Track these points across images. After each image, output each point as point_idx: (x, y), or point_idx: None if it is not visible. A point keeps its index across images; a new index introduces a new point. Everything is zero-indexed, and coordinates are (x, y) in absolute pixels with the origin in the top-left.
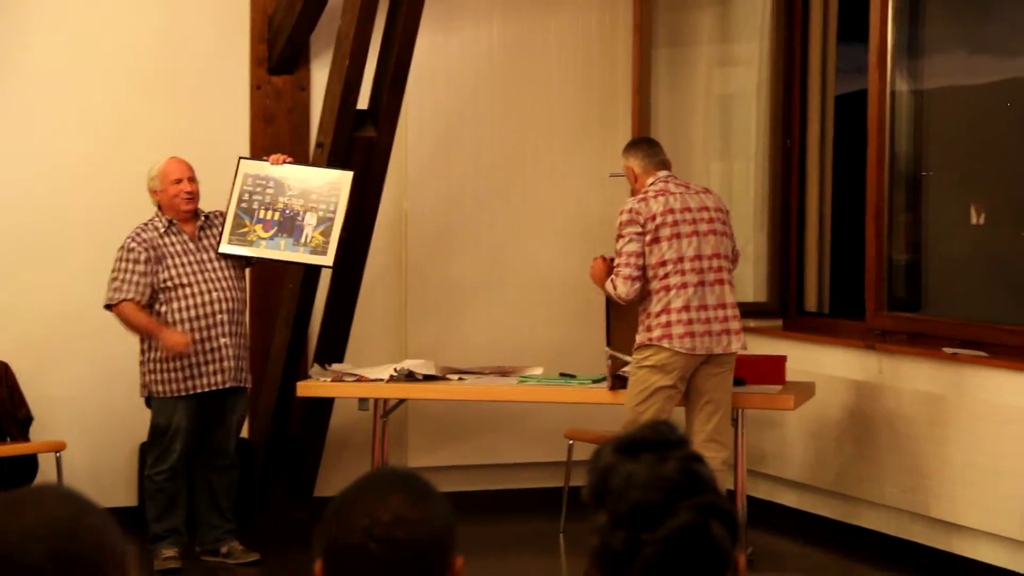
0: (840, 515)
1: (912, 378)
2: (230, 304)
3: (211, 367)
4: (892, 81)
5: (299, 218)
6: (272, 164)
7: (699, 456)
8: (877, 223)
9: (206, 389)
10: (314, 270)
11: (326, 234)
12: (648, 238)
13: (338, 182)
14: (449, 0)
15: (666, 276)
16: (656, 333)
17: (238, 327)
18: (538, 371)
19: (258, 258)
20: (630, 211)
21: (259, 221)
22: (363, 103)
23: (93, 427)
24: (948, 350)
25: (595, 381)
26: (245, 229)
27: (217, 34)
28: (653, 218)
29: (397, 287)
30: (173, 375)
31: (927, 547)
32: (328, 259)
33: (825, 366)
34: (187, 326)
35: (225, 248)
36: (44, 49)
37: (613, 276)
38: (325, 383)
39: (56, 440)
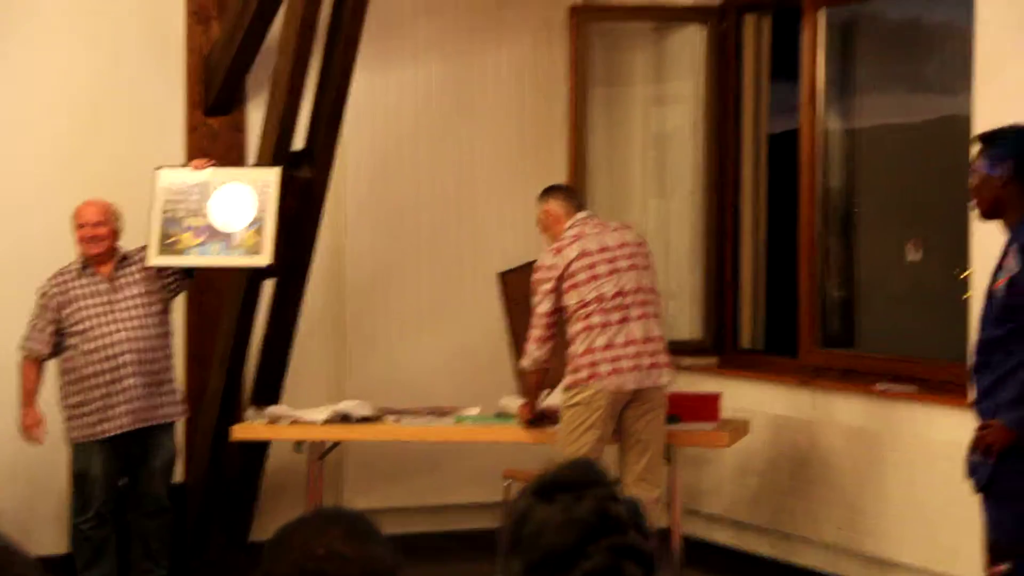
0: (776, 553)
1: (845, 414)
2: (139, 343)
3: (118, 409)
4: (824, 119)
5: (230, 224)
6: (194, 169)
7: (617, 495)
8: (810, 260)
9: (116, 432)
10: (253, 291)
11: (259, 232)
12: (566, 284)
13: (266, 179)
14: (386, 39)
15: (588, 316)
16: (583, 374)
17: (150, 366)
18: (475, 411)
19: (191, 267)
20: (547, 267)
21: (187, 229)
22: (299, 143)
23: (20, 473)
24: (880, 386)
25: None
26: (172, 239)
27: (153, 75)
28: (568, 265)
29: (335, 327)
30: (84, 420)
31: None
32: (264, 258)
33: (759, 403)
34: (91, 369)
35: (155, 261)
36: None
37: (526, 342)
38: (260, 426)
39: None
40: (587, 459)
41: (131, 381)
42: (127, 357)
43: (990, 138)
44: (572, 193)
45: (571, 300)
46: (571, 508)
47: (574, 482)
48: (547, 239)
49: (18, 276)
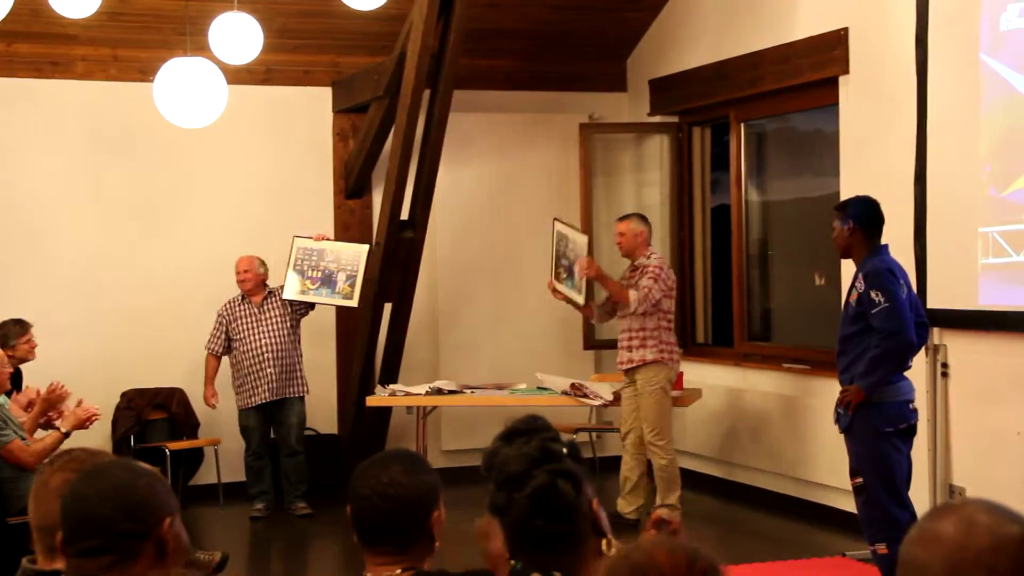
0: (722, 474)
1: (764, 384)
2: (275, 346)
3: (259, 388)
4: (746, 196)
5: (334, 276)
6: (316, 240)
7: (557, 436)
8: (740, 285)
9: (259, 402)
10: (377, 319)
11: (352, 285)
12: (667, 289)
13: (359, 251)
14: (460, 147)
15: (670, 321)
16: (669, 357)
17: (284, 359)
18: (523, 386)
19: (307, 302)
20: (669, 277)
21: (308, 278)
22: (405, 215)
23: (232, 429)
24: (786, 365)
25: (563, 392)
26: (303, 284)
27: (313, 174)
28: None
29: (430, 333)
30: (241, 394)
31: (784, 495)
32: (354, 302)
33: (709, 378)
34: (245, 360)
35: (287, 296)
36: (207, 182)
37: (638, 294)
38: (385, 397)
39: (214, 438)
40: (536, 414)
41: (269, 370)
42: (268, 355)
43: (842, 205)
44: None
45: (666, 305)
46: (523, 447)
47: (526, 430)
48: (627, 251)
49: (213, 303)
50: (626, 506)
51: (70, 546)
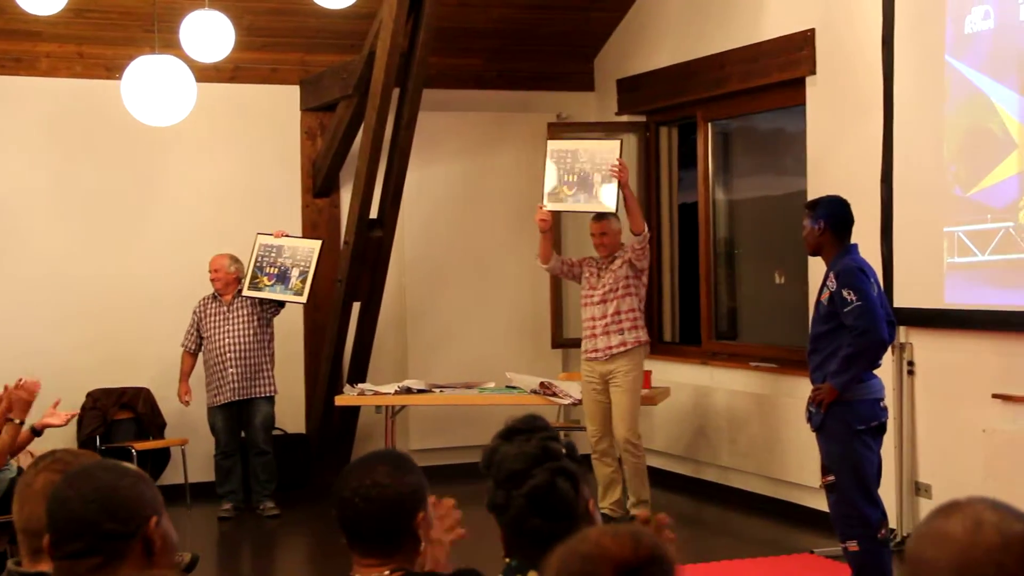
0: (690, 472)
1: (731, 382)
2: (238, 346)
3: (223, 387)
4: (713, 194)
5: (288, 272)
6: (275, 237)
7: (556, 436)
8: (707, 284)
9: (223, 401)
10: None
11: (303, 281)
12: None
13: (313, 247)
14: (428, 147)
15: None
16: (645, 336)
17: (248, 358)
18: (492, 384)
19: (267, 299)
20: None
21: (266, 275)
22: (374, 214)
23: (201, 429)
24: (753, 364)
25: (532, 391)
26: (257, 280)
27: (280, 172)
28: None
29: (399, 332)
30: (209, 392)
31: (753, 493)
32: (303, 298)
33: (677, 376)
34: (210, 358)
35: (245, 293)
36: (174, 181)
37: (644, 237)
38: (353, 396)
39: (182, 438)
40: (536, 414)
41: (232, 370)
42: (230, 355)
43: (812, 205)
44: None
45: (642, 292)
46: (522, 445)
47: (525, 429)
48: (611, 250)
49: (192, 300)
50: (604, 503)
51: (56, 549)
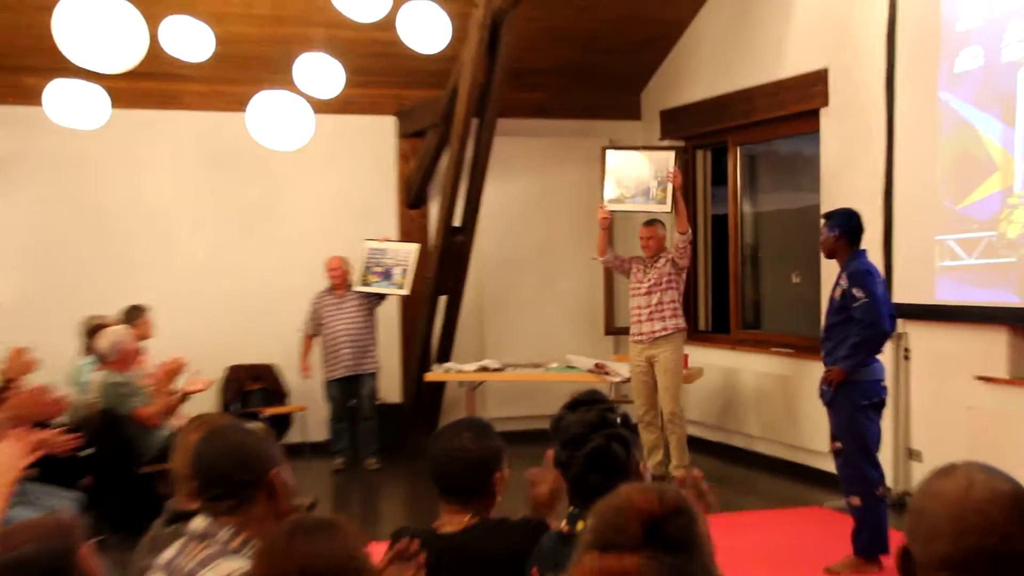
0: (720, 439)
1: (755, 365)
2: (351, 330)
3: (338, 364)
4: (740, 207)
5: (391, 270)
6: (380, 242)
7: (613, 408)
8: (735, 282)
9: (338, 376)
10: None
11: (404, 276)
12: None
13: (411, 249)
14: (502, 165)
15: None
16: (683, 324)
17: (358, 341)
18: (555, 364)
19: (373, 292)
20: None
21: (373, 272)
22: (457, 222)
23: (316, 397)
24: (774, 349)
25: (588, 370)
26: (367, 277)
27: (380, 189)
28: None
29: (477, 319)
30: (326, 368)
31: (772, 456)
32: (405, 291)
33: (709, 359)
34: (327, 341)
35: (356, 288)
36: (294, 195)
37: (686, 238)
38: (440, 373)
39: (301, 405)
40: (596, 389)
41: (345, 350)
42: (344, 337)
43: (829, 216)
44: None
45: (682, 286)
46: (584, 414)
47: (587, 401)
48: (656, 250)
49: (309, 293)
50: (651, 464)
51: (201, 493)
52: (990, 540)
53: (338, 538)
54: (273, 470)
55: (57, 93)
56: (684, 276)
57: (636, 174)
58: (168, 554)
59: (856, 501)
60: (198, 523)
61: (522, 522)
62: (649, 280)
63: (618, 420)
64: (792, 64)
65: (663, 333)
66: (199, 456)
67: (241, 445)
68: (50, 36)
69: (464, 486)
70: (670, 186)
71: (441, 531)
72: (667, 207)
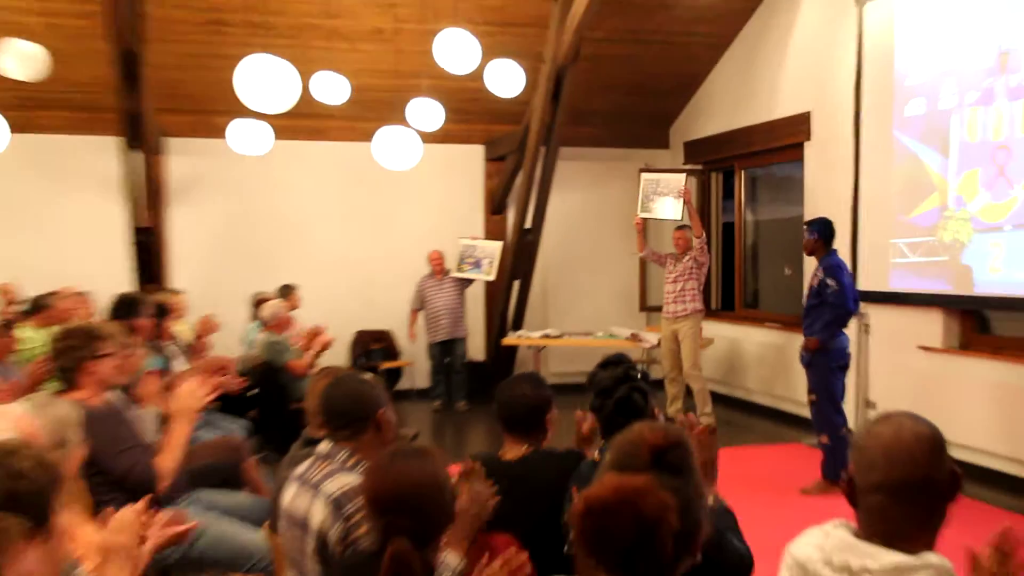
0: (726, 392)
1: (754, 336)
2: (448, 305)
3: (438, 331)
4: (744, 216)
5: (481, 261)
6: (471, 239)
7: (635, 366)
8: (739, 272)
9: (438, 340)
10: (507, 290)
11: (491, 266)
12: (706, 262)
13: (496, 245)
14: (563, 181)
15: (703, 286)
16: (700, 307)
17: (453, 313)
18: (601, 333)
19: (466, 278)
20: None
21: (466, 263)
22: (528, 224)
23: (420, 356)
24: (768, 324)
25: (626, 338)
26: (461, 266)
27: (470, 200)
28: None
29: (542, 299)
30: (428, 334)
31: (765, 405)
32: (492, 277)
33: (719, 331)
34: (430, 314)
35: (455, 274)
36: (408, 204)
37: (702, 240)
38: (514, 339)
39: (409, 361)
40: (622, 353)
41: (444, 320)
42: (443, 310)
43: (809, 223)
44: None
45: (702, 276)
46: (612, 371)
47: (615, 361)
48: (683, 249)
49: (416, 277)
50: (672, 411)
51: (326, 425)
52: (913, 471)
53: (427, 462)
54: (381, 409)
55: (236, 129)
56: (704, 270)
57: (661, 191)
58: (301, 469)
59: (825, 440)
60: (323, 447)
61: (566, 452)
62: (677, 272)
63: (639, 375)
64: (783, 108)
65: (683, 313)
66: (325, 397)
67: (357, 390)
68: (231, 87)
69: (523, 423)
70: (682, 200)
71: (504, 458)
72: (680, 216)
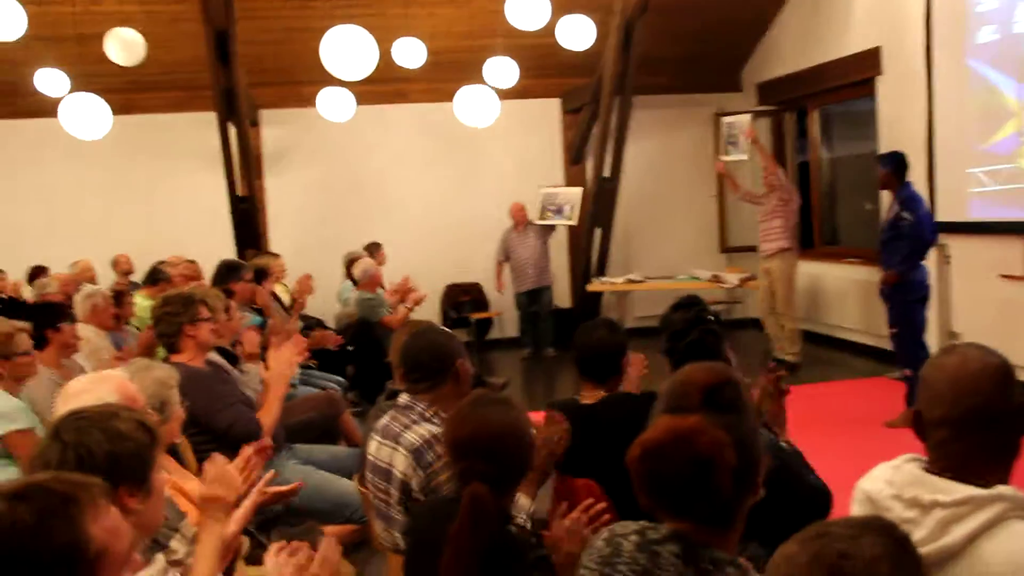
0: (810, 327)
1: (833, 271)
2: (532, 255)
3: (525, 281)
4: (820, 154)
5: (563, 207)
6: (553, 188)
7: (707, 308)
8: (817, 210)
9: (525, 289)
10: (589, 237)
11: (572, 211)
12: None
13: (577, 192)
14: (639, 130)
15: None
16: (793, 244)
17: (538, 263)
18: (683, 276)
19: (550, 224)
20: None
21: (549, 211)
22: (607, 172)
23: (508, 306)
24: (847, 259)
25: (708, 280)
26: (543, 214)
27: (551, 151)
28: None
29: (625, 244)
30: (515, 283)
31: (848, 340)
32: (574, 222)
33: (800, 268)
34: (515, 264)
35: (538, 221)
36: (490, 157)
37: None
38: (598, 284)
39: (498, 311)
40: (694, 295)
41: (529, 270)
42: (527, 260)
43: (880, 157)
44: None
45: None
46: (685, 314)
47: (688, 304)
48: (769, 187)
49: (500, 230)
50: (786, 354)
51: (406, 377)
52: (979, 402)
53: (504, 410)
54: (459, 360)
55: (325, 97)
56: (792, 207)
57: (734, 132)
58: (383, 421)
59: (908, 372)
60: (403, 398)
61: (641, 395)
62: (764, 210)
63: (711, 318)
64: (853, 44)
65: (771, 251)
66: (405, 350)
67: (435, 343)
68: (316, 57)
69: (599, 367)
70: (748, 140)
71: (582, 401)
72: (746, 156)
